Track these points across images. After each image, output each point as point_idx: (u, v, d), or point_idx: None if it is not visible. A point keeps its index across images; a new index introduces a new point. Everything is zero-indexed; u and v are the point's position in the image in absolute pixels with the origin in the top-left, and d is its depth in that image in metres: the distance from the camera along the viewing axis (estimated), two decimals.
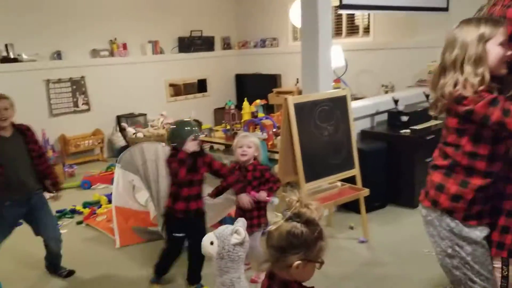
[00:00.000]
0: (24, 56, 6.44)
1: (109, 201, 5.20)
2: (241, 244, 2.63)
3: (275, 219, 1.57)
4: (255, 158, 3.46)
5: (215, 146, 6.04)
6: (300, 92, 6.76)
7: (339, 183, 4.04)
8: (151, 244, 4.14)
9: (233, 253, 2.61)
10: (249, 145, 3.38)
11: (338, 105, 3.92)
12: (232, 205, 4.06)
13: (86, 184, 5.88)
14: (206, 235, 2.69)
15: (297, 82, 7.90)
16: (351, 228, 4.27)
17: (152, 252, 3.97)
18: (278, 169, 3.75)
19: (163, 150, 4.62)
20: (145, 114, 7.77)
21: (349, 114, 3.98)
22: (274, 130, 5.10)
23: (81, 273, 3.70)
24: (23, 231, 3.68)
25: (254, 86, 8.86)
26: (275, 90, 8.15)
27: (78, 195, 5.67)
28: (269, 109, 7.11)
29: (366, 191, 3.89)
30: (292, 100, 3.60)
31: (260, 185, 3.38)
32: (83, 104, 7.17)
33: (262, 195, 3.34)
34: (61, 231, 4.43)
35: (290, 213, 1.55)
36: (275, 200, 3.57)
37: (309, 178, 3.67)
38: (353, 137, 4.01)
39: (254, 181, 3.39)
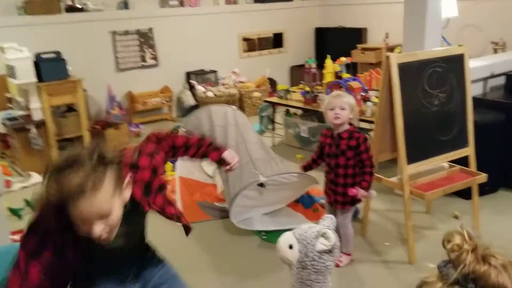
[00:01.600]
0: (90, 6, 6.03)
1: (174, 168, 4.74)
2: (329, 251, 1.99)
3: (425, 277, 0.87)
4: (350, 123, 2.81)
5: (291, 110, 5.37)
6: (390, 49, 5.85)
7: (445, 164, 3.25)
8: (217, 222, 3.62)
9: (319, 262, 1.99)
10: (342, 106, 2.73)
11: (453, 66, 3.08)
12: (312, 183, 3.42)
13: None
14: (283, 236, 2.08)
15: (386, 37, 6.93)
16: (456, 217, 3.50)
17: (219, 233, 3.46)
18: (372, 145, 3.03)
19: (233, 114, 4.04)
20: (215, 71, 7.21)
21: (466, 78, 3.13)
22: (362, 94, 4.33)
23: None
24: None
25: (336, 41, 7.96)
26: (359, 46, 7.24)
27: None
28: (352, 68, 6.27)
29: (483, 177, 3.08)
30: (395, 59, 2.82)
31: (355, 158, 2.77)
32: (151, 58, 6.72)
33: (362, 193, 2.79)
34: None
35: (457, 274, 0.83)
36: (373, 193, 2.91)
37: (412, 158, 2.92)
38: (469, 107, 3.17)
39: (349, 151, 2.77)
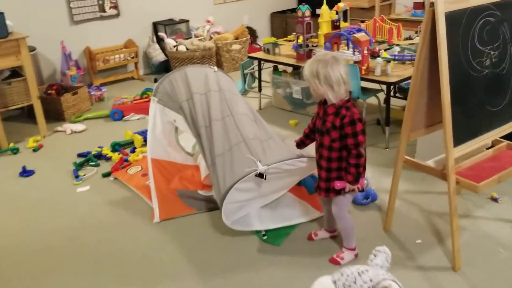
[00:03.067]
0: None
1: (145, 140, 3.97)
2: None
3: None
4: (347, 99, 2.20)
5: (280, 67, 4.58)
6: None
7: (488, 140, 2.59)
8: (203, 217, 2.92)
9: None
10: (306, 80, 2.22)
11: (509, 15, 2.35)
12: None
13: (117, 114, 4.64)
14: (318, 283, 1.39)
15: None
16: (494, 199, 2.89)
17: (205, 231, 2.76)
18: (404, 120, 2.33)
19: (215, 77, 3.25)
20: (187, 21, 6.27)
21: None
22: (370, 48, 3.57)
23: (103, 261, 2.55)
24: None
25: None
26: None
27: (107, 129, 4.46)
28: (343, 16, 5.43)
29: None
30: (443, 6, 2.07)
31: (342, 140, 2.20)
32: (111, 8, 5.73)
33: (348, 186, 2.29)
34: (82, 189, 3.31)
35: None
36: (367, 182, 2.39)
37: (459, 138, 2.23)
38: None
39: (334, 131, 2.20)
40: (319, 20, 4.14)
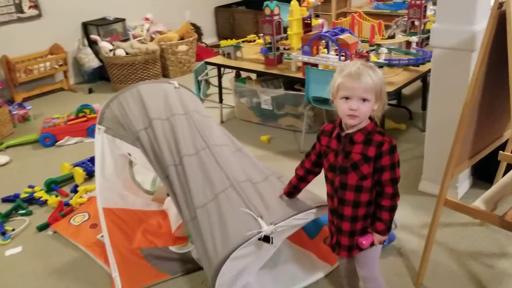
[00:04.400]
0: None
1: (88, 174, 3.21)
2: None
3: None
4: (371, 118, 1.63)
5: (244, 73, 3.95)
6: None
7: None
8: (180, 283, 2.24)
9: None
10: (365, 95, 1.55)
11: None
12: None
13: (48, 139, 3.79)
14: None
15: None
16: None
17: None
18: (451, 154, 1.80)
19: (177, 95, 2.58)
20: (123, 20, 5.44)
21: None
22: (357, 51, 3.02)
23: None
24: None
25: None
26: None
27: (37, 160, 3.61)
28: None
29: None
30: None
31: (374, 176, 1.63)
32: (30, 8, 4.80)
33: (378, 238, 1.71)
34: (11, 251, 2.53)
35: None
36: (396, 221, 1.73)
37: None
38: None
39: (365, 165, 1.61)
40: (289, 18, 3.53)
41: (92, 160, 3.31)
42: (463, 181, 2.77)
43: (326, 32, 3.09)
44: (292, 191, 1.96)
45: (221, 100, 4.01)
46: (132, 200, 2.59)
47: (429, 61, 3.07)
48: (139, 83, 2.64)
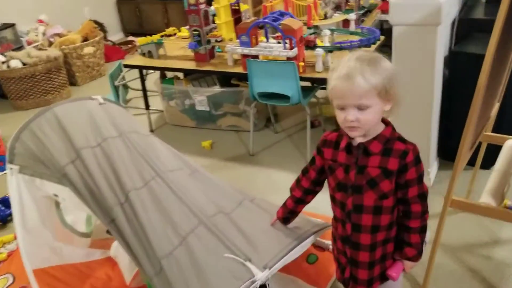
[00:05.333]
0: None
1: (2, 221, 2.64)
2: None
3: None
4: (385, 121, 1.32)
5: (169, 73, 3.48)
6: None
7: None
8: None
9: None
10: (360, 103, 1.21)
11: None
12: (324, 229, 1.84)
13: None
14: None
15: None
16: None
17: None
18: (464, 135, 1.54)
19: (105, 113, 2.09)
20: (12, 25, 4.68)
21: None
22: (303, 37, 2.70)
23: None
24: None
25: None
26: None
27: None
28: None
29: None
30: None
31: (396, 194, 1.33)
32: None
33: (409, 265, 1.42)
34: None
35: None
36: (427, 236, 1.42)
37: None
38: None
39: (386, 180, 1.30)
40: (215, 5, 3.12)
41: (4, 201, 2.72)
42: (433, 164, 2.59)
43: (265, 18, 2.73)
44: (288, 216, 1.61)
45: (147, 106, 3.52)
46: (68, 252, 2.07)
47: (379, 40, 2.85)
48: (54, 105, 2.10)
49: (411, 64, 2.29)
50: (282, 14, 2.76)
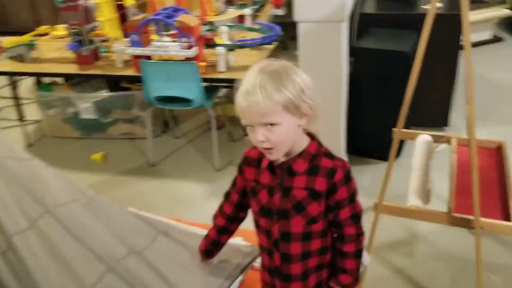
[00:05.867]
0: None
1: None
2: None
3: None
4: (311, 135, 1.17)
5: (46, 79, 3.02)
6: None
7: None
8: None
9: None
10: (263, 119, 1.05)
11: None
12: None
13: None
14: None
15: None
16: None
17: None
18: (397, 133, 1.46)
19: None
20: None
21: None
22: (202, 35, 2.47)
23: None
24: None
25: None
26: None
27: None
28: None
29: None
30: None
31: (326, 217, 1.19)
32: None
33: None
34: None
35: None
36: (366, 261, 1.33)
37: None
38: None
39: (314, 203, 1.15)
40: (95, 0, 2.75)
41: None
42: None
43: (157, 14, 2.44)
44: (211, 248, 1.41)
45: (21, 117, 3.03)
46: None
47: (280, 37, 2.73)
48: None
49: (318, 61, 2.21)
50: (176, 10, 2.50)
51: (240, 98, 1.06)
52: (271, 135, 1.05)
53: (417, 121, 2.61)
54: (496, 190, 1.70)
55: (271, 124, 1.04)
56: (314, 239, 1.18)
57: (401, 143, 2.58)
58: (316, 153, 1.13)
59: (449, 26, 2.49)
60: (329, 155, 1.15)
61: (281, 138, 1.06)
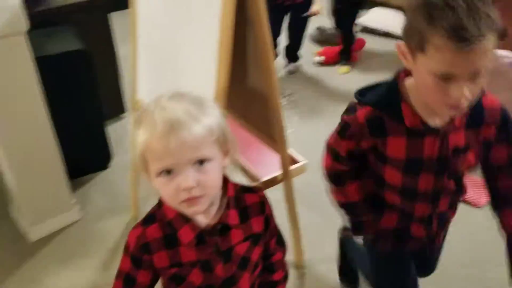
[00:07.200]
0: None
1: None
2: None
3: None
4: (223, 177, 0.96)
5: None
6: None
7: None
8: None
9: None
10: (206, 154, 0.85)
11: None
12: None
13: None
14: None
15: None
16: None
17: None
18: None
19: None
20: None
21: None
22: None
23: None
24: None
25: None
26: None
27: None
28: None
29: None
30: None
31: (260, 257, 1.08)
32: None
33: None
34: None
35: None
36: None
37: None
38: None
39: (254, 249, 1.01)
40: None
41: None
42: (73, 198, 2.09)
43: None
44: None
45: None
46: None
47: None
48: None
49: (10, 84, 1.74)
50: None
51: (159, 134, 0.80)
52: (203, 176, 0.83)
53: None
54: None
55: (202, 162, 0.83)
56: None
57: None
58: (236, 194, 0.96)
59: None
60: (247, 188, 1.01)
61: (214, 178, 0.86)
